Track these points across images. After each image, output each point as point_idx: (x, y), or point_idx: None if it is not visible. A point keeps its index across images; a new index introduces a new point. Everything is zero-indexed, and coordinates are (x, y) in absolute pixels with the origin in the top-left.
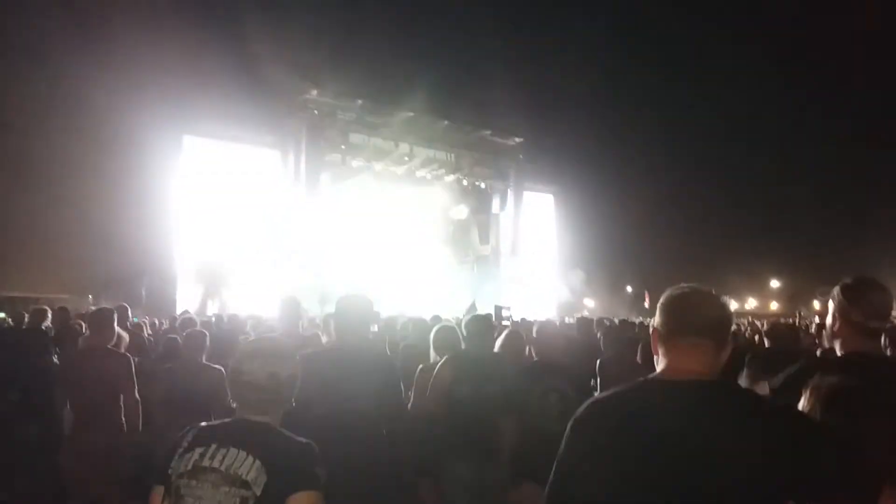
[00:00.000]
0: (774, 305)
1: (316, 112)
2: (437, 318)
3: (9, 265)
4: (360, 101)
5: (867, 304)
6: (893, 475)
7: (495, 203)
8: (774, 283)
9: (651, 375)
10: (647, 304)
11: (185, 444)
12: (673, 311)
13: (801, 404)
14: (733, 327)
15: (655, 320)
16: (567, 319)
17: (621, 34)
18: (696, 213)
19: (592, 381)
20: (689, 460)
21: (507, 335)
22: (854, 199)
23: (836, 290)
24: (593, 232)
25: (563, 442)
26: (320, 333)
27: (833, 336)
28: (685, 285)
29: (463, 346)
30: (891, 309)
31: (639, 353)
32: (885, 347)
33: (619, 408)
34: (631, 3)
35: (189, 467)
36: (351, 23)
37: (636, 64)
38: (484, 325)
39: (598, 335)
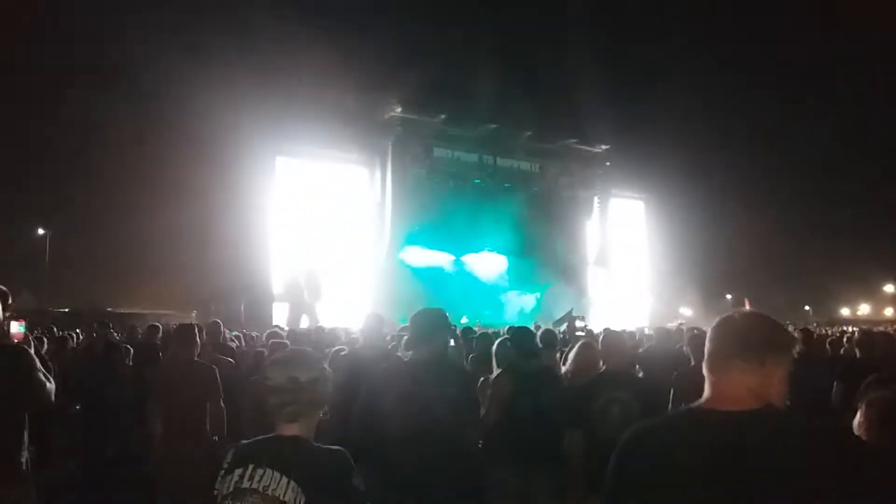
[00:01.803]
0: (889, 311)
1: (400, 128)
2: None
3: (118, 284)
4: (442, 116)
5: None
6: None
7: (583, 211)
8: (889, 288)
9: (695, 403)
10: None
11: (225, 465)
12: (718, 335)
13: (856, 420)
14: (793, 350)
15: (705, 346)
16: (647, 330)
17: (709, 38)
18: (800, 215)
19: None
20: (725, 498)
21: (580, 346)
22: None
23: None
24: (688, 238)
25: (609, 470)
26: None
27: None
28: (736, 309)
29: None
30: None
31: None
32: None
33: (658, 439)
34: (719, 8)
35: (231, 489)
36: (432, 37)
37: (727, 65)
38: (529, 338)
39: (683, 346)
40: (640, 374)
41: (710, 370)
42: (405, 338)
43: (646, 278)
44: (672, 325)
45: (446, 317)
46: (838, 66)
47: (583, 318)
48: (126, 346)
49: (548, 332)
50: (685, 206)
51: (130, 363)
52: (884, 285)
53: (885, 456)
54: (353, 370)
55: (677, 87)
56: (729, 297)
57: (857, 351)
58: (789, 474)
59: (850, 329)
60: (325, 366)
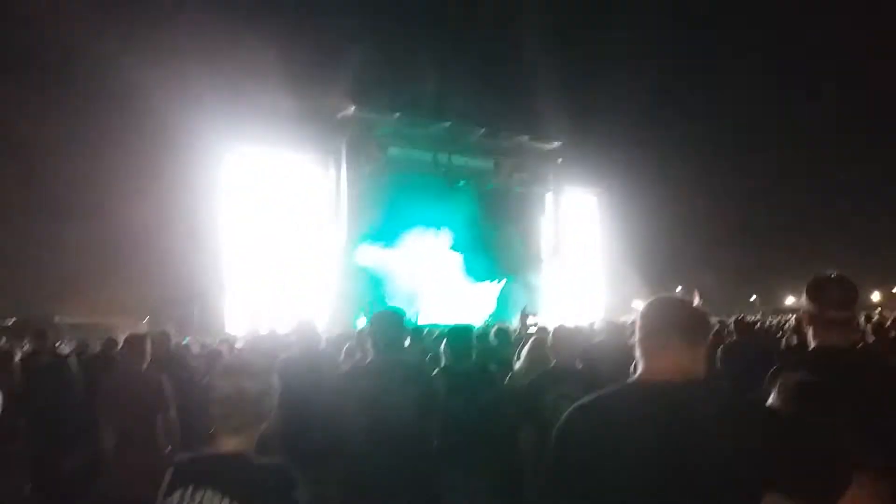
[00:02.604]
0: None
1: (354, 127)
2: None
3: (67, 291)
4: (397, 115)
5: (824, 297)
6: (862, 465)
7: (536, 208)
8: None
9: (629, 379)
10: (698, 303)
11: (165, 484)
12: (647, 314)
13: (770, 401)
14: (712, 329)
15: (637, 327)
16: (597, 324)
17: (661, 34)
18: (749, 208)
19: None
20: (667, 464)
21: (532, 342)
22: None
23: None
24: (640, 231)
25: (550, 452)
26: (354, 348)
27: (805, 332)
28: (662, 295)
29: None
30: (850, 301)
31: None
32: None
33: (597, 415)
34: (671, 5)
35: None
36: (385, 35)
37: (680, 60)
38: (462, 338)
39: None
40: (581, 367)
41: (644, 349)
42: (347, 345)
43: (599, 272)
44: (625, 318)
45: (404, 318)
46: (790, 60)
47: (535, 314)
48: (77, 358)
49: (501, 330)
50: (637, 200)
51: (81, 375)
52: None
53: (803, 425)
54: (298, 378)
55: (629, 83)
56: (679, 288)
57: (794, 337)
58: (723, 432)
59: (790, 317)
60: (274, 377)
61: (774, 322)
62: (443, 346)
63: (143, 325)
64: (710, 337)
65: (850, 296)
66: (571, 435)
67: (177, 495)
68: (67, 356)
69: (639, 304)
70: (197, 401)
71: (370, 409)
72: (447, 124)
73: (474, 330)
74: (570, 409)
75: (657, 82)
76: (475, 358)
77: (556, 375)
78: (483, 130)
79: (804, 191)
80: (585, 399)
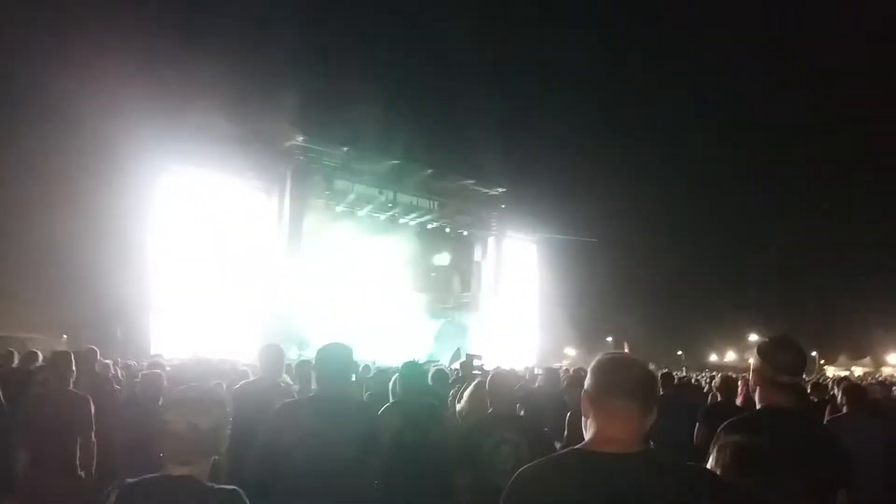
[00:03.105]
0: (752, 360)
1: (301, 158)
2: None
3: None
4: (345, 148)
5: (778, 361)
6: None
7: (477, 251)
8: (753, 337)
9: (579, 445)
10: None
11: None
12: (602, 373)
13: (710, 462)
14: (658, 392)
15: (586, 383)
16: (536, 370)
17: (601, 87)
18: (678, 265)
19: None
20: None
21: (475, 385)
22: (836, 255)
23: (755, 349)
24: (575, 282)
25: None
26: (290, 380)
27: (752, 391)
28: (615, 352)
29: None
30: (801, 367)
31: None
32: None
33: (546, 482)
34: (609, 61)
35: None
36: (338, 70)
37: (618, 116)
38: (416, 374)
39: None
40: (522, 414)
41: (596, 409)
42: (296, 372)
43: (535, 318)
44: (558, 364)
45: (352, 353)
46: (730, 117)
47: (480, 357)
48: None
49: (439, 371)
50: (573, 251)
51: None
52: (748, 334)
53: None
54: (256, 405)
55: (571, 136)
56: (610, 339)
57: (718, 395)
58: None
59: (715, 374)
60: (227, 409)
61: (701, 378)
62: (393, 381)
63: (62, 343)
64: (656, 394)
65: (801, 361)
66: (519, 498)
67: None
68: None
69: (571, 351)
70: (119, 426)
71: (311, 443)
72: (395, 162)
73: (426, 367)
74: (520, 472)
75: (599, 140)
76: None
77: (495, 421)
78: (430, 171)
79: (734, 252)
80: (536, 463)
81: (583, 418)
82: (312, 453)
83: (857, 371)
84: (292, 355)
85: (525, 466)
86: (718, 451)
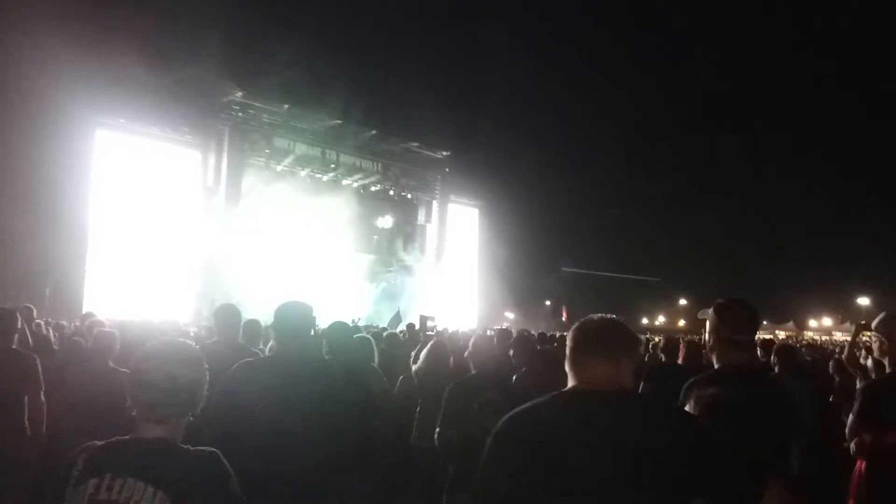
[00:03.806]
0: (682, 322)
1: (240, 114)
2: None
3: None
4: (286, 106)
5: (734, 320)
6: (773, 473)
7: (421, 214)
8: (682, 302)
9: (564, 389)
10: (564, 319)
11: (76, 472)
12: (574, 334)
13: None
14: (640, 348)
15: (567, 343)
16: (489, 331)
17: (545, 50)
18: (612, 230)
19: None
20: (602, 465)
21: (432, 346)
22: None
23: (710, 309)
24: (515, 245)
25: (485, 457)
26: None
27: (710, 350)
28: (593, 314)
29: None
30: (756, 324)
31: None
32: (769, 360)
33: (536, 420)
34: (556, 22)
35: (86, 502)
36: (280, 25)
37: (560, 78)
38: (344, 333)
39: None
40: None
41: (573, 364)
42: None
43: (476, 282)
44: (499, 326)
45: (311, 311)
46: (667, 71)
47: (433, 318)
48: None
49: (391, 335)
50: (514, 215)
51: None
52: (678, 300)
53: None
54: (216, 367)
55: (514, 99)
56: (548, 303)
57: (662, 356)
58: (656, 441)
59: (655, 337)
60: (205, 365)
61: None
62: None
63: None
64: (634, 355)
65: (756, 320)
66: (512, 436)
67: (91, 484)
68: None
69: (510, 314)
70: (58, 386)
71: (274, 402)
72: (337, 122)
73: (352, 328)
74: (509, 414)
75: (543, 103)
76: (376, 359)
77: (479, 383)
78: (373, 133)
79: (673, 217)
80: (521, 407)
81: (567, 372)
82: (276, 412)
83: (781, 335)
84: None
85: (514, 410)
86: (695, 403)
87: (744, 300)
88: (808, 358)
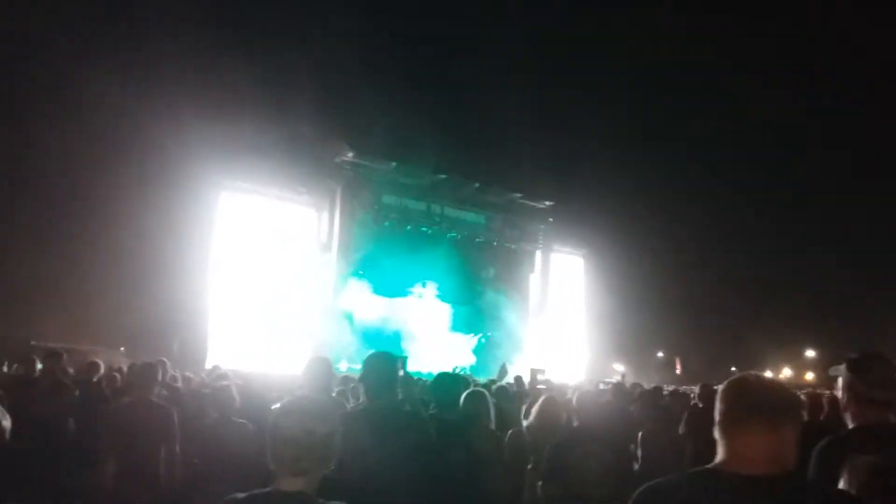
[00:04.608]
0: (810, 375)
1: (350, 173)
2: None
3: (41, 314)
4: (393, 163)
5: (871, 376)
6: None
7: (525, 264)
8: (810, 353)
9: (711, 465)
10: (678, 371)
11: None
12: (735, 396)
13: (842, 484)
14: (802, 412)
15: (716, 407)
16: (601, 385)
17: (650, 99)
18: (729, 277)
19: (632, 447)
20: None
21: (544, 401)
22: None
23: (843, 365)
24: (623, 295)
25: None
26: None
27: (844, 409)
28: (747, 372)
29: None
30: (895, 382)
31: (682, 426)
32: None
33: (674, 499)
34: (661, 68)
35: None
36: (386, 85)
37: (667, 128)
38: (454, 387)
39: (632, 404)
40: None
41: (724, 431)
42: (353, 386)
43: (583, 333)
44: (610, 379)
45: (397, 362)
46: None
47: (543, 372)
48: (76, 382)
49: (501, 388)
50: (622, 264)
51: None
52: (805, 350)
53: None
54: None
55: (619, 148)
56: (660, 354)
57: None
58: None
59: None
60: (337, 418)
61: None
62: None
63: (120, 354)
64: (798, 419)
65: (894, 376)
66: None
67: None
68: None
69: (619, 366)
70: (189, 437)
71: (363, 458)
72: (442, 177)
73: (461, 380)
74: (648, 484)
75: (647, 153)
76: (492, 417)
77: (582, 436)
78: (477, 185)
79: (788, 263)
80: (662, 481)
81: (718, 439)
82: (367, 466)
83: None
84: (342, 368)
85: (655, 480)
86: (850, 475)
87: (881, 354)
88: None
